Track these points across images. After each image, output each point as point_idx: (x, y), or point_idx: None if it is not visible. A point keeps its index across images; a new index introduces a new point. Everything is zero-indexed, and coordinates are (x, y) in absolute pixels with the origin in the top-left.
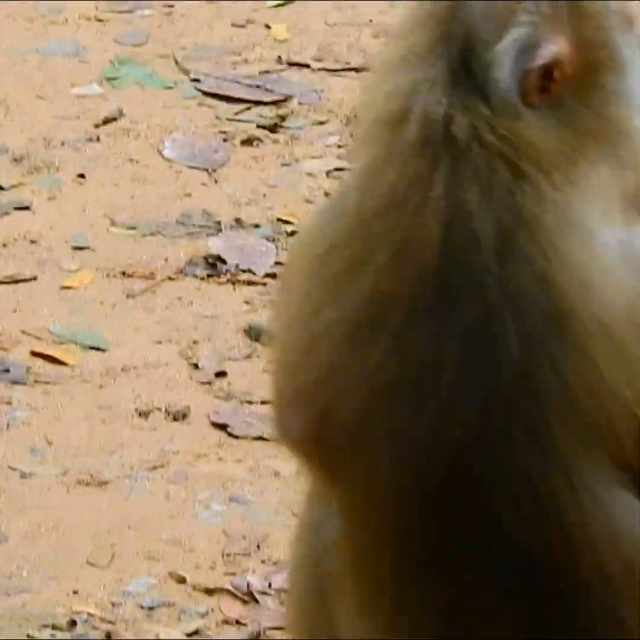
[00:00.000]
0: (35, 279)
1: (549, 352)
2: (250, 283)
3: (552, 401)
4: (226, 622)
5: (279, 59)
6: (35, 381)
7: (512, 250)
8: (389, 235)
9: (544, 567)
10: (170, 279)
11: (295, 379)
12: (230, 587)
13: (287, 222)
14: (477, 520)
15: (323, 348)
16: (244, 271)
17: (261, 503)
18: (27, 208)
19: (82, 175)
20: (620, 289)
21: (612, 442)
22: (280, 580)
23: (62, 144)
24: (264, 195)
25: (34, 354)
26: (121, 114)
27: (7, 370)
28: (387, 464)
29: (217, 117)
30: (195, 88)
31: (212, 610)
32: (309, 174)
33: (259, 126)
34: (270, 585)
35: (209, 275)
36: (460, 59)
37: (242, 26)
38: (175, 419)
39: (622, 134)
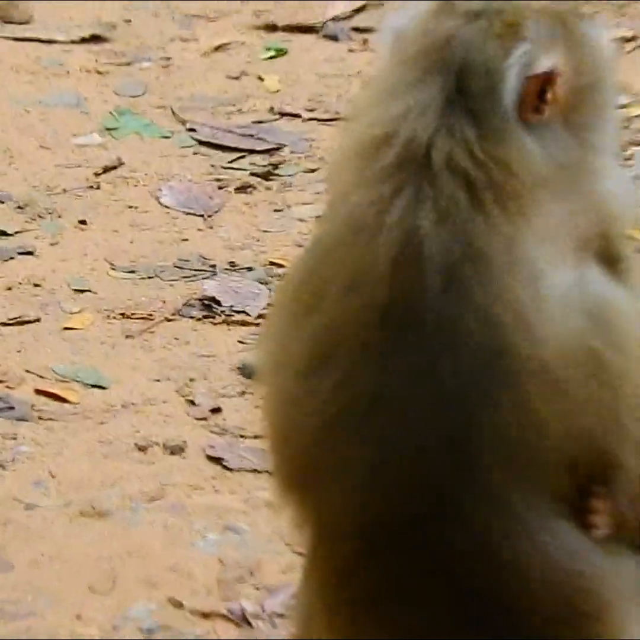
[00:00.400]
0: (38, 320)
1: (485, 388)
2: (243, 324)
3: (486, 436)
4: None
5: (272, 110)
6: (39, 418)
7: (456, 284)
8: (343, 266)
9: (479, 597)
10: (167, 320)
11: (274, 415)
12: (225, 612)
13: (279, 265)
14: (414, 552)
15: (284, 380)
16: (237, 312)
17: (254, 532)
18: (30, 253)
19: (83, 222)
20: (560, 330)
21: (546, 475)
22: (272, 605)
23: (64, 191)
24: (257, 240)
25: (38, 391)
26: (120, 162)
27: (12, 408)
28: (336, 496)
29: (212, 165)
30: (192, 137)
31: (208, 633)
32: (300, 220)
33: (252, 174)
34: (263, 610)
35: (204, 316)
36: (456, 83)
37: (236, 78)
38: (172, 453)
39: (590, 174)
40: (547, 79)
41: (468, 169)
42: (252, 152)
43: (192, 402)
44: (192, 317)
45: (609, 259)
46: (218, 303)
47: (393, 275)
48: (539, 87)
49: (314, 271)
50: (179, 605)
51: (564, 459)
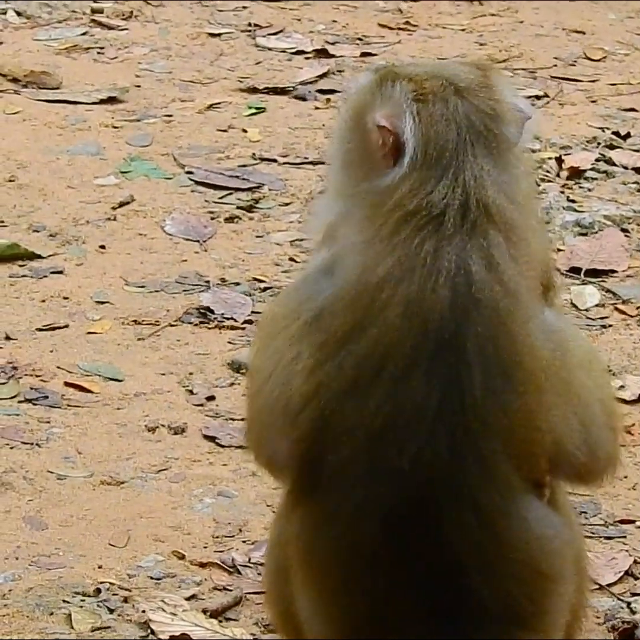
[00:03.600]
0: (67, 326)
1: (501, 398)
2: (232, 328)
3: (499, 434)
4: (216, 588)
5: (253, 156)
6: (68, 405)
7: (494, 316)
8: (395, 298)
9: (476, 576)
10: (171, 325)
11: (283, 427)
12: (219, 562)
13: (260, 280)
14: (428, 535)
15: (320, 400)
16: (227, 319)
17: (242, 497)
18: (60, 272)
19: (102, 247)
20: (541, 353)
21: (533, 463)
22: (257, 556)
23: (87, 222)
24: (243, 260)
25: (67, 384)
26: (132, 199)
27: (46, 397)
28: (364, 493)
29: (206, 201)
30: (189, 179)
31: (205, 579)
32: (277, 244)
33: (238, 207)
34: (250, 560)
35: (200, 322)
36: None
37: (225, 130)
38: (175, 433)
39: (534, 212)
40: None
41: (504, 226)
42: (238, 190)
43: (191, 392)
44: (190, 323)
45: (545, 287)
46: (211, 311)
47: (449, 308)
48: None
49: (352, 306)
50: (181, 556)
51: (544, 448)
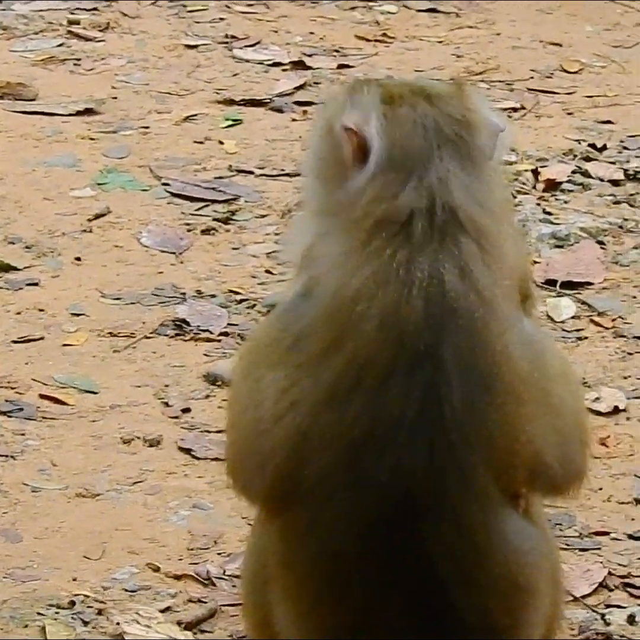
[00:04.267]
0: (42, 338)
1: (479, 408)
2: (208, 340)
3: (478, 445)
4: (191, 600)
5: (230, 168)
6: (43, 417)
7: (470, 326)
8: (371, 311)
9: (455, 588)
10: (147, 337)
11: (262, 445)
12: (194, 574)
13: (236, 292)
14: (406, 547)
15: (296, 415)
16: (203, 331)
17: (217, 509)
18: (36, 284)
19: (78, 258)
20: (520, 365)
21: (511, 474)
22: (232, 568)
23: (63, 234)
24: (219, 272)
25: (42, 396)
26: (108, 211)
27: (21, 409)
28: (343, 505)
29: (182, 213)
30: (166, 190)
31: (180, 592)
32: (253, 256)
33: (214, 219)
34: (225, 572)
35: (176, 334)
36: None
37: (201, 142)
38: (151, 445)
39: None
40: None
41: (475, 233)
42: (214, 202)
43: (166, 404)
44: (166, 335)
45: (522, 297)
46: (187, 323)
47: (423, 317)
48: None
49: (329, 323)
50: (156, 569)
51: (523, 460)
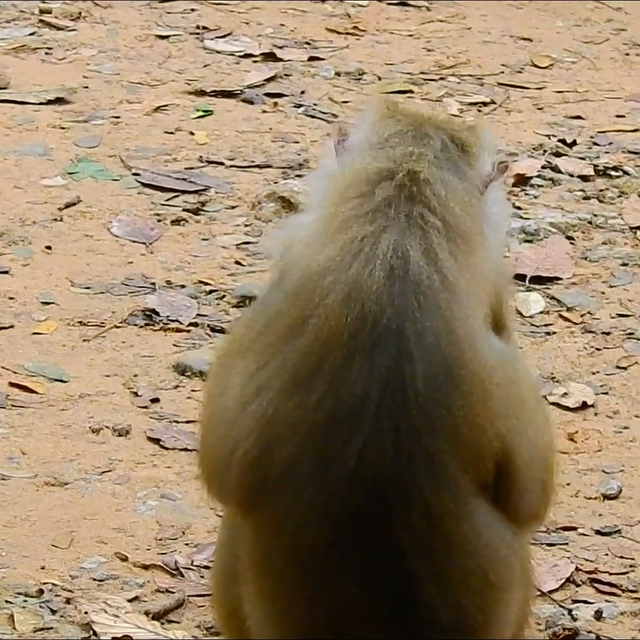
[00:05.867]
0: (12, 327)
1: (444, 393)
2: (177, 330)
3: (444, 433)
4: (158, 590)
5: (200, 158)
6: (13, 405)
7: (432, 305)
8: (338, 285)
9: (425, 580)
10: (116, 327)
11: (228, 434)
12: (161, 564)
13: (206, 283)
14: (378, 538)
15: (262, 400)
16: (172, 321)
17: (186, 499)
18: (6, 272)
19: (49, 247)
20: (487, 360)
21: (480, 465)
22: (200, 558)
23: (34, 223)
24: (189, 263)
25: (12, 384)
26: (79, 200)
27: None
28: (313, 493)
29: (153, 203)
30: (136, 180)
31: (148, 581)
32: (223, 247)
33: (184, 210)
34: (192, 563)
35: (146, 324)
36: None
37: (172, 133)
38: (120, 434)
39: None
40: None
41: (438, 208)
42: (184, 192)
43: (135, 394)
44: (136, 325)
45: (495, 323)
46: (157, 314)
47: (386, 292)
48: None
49: (295, 301)
50: (124, 558)
51: (491, 452)
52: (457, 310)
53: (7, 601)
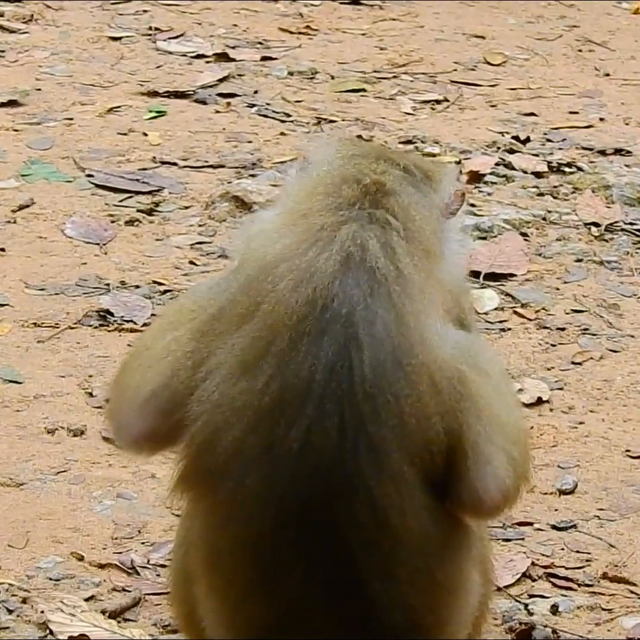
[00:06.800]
0: None
1: (391, 381)
2: (132, 331)
3: (390, 421)
4: (115, 589)
5: (154, 159)
6: None
7: (383, 294)
8: (292, 271)
9: (368, 568)
10: (71, 328)
11: (144, 381)
12: (118, 563)
13: (160, 283)
14: (323, 528)
15: (208, 387)
16: (127, 322)
17: (142, 499)
18: None
19: (2, 249)
20: (439, 352)
21: (427, 459)
22: (156, 557)
23: None
24: (143, 263)
25: None
26: (32, 202)
27: None
28: (258, 479)
29: (106, 204)
30: (90, 182)
31: (104, 580)
32: (177, 247)
33: (138, 211)
34: (148, 561)
35: (100, 325)
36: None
37: (125, 134)
38: (75, 435)
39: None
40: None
41: (400, 215)
42: (138, 193)
43: (90, 394)
44: (90, 326)
45: (459, 323)
46: (111, 314)
47: (339, 278)
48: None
49: (247, 290)
50: (80, 558)
51: (441, 447)
52: (409, 304)
53: None
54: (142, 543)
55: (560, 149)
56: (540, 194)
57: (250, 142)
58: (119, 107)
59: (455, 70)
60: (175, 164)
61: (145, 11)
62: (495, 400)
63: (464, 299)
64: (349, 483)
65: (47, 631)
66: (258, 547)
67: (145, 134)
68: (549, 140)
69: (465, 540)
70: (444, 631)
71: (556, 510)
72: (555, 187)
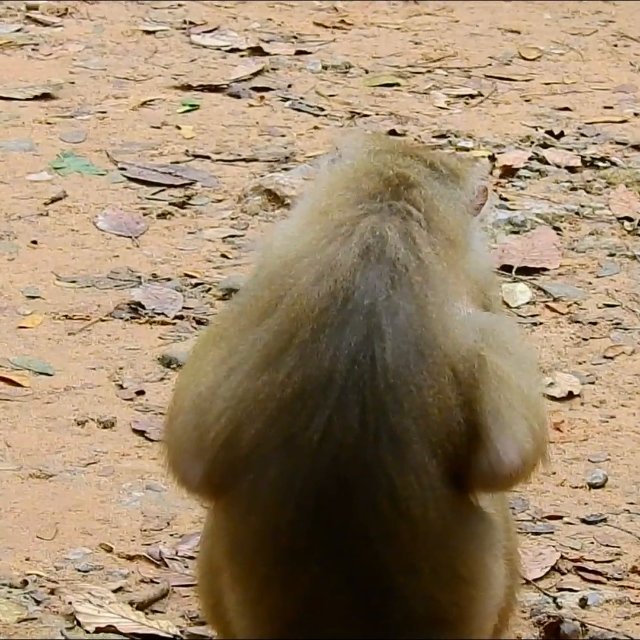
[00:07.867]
0: None
1: (413, 372)
2: (163, 323)
3: (412, 412)
4: (143, 581)
5: (187, 152)
6: None
7: (406, 285)
8: (314, 264)
9: (389, 563)
10: (102, 320)
11: (201, 422)
12: (146, 555)
13: (191, 276)
14: (343, 520)
15: (233, 381)
16: (158, 314)
17: (171, 491)
18: None
19: (34, 242)
20: (462, 341)
21: (449, 451)
22: (184, 549)
23: (20, 218)
24: (174, 256)
25: None
26: (65, 195)
27: None
28: (278, 471)
29: (139, 197)
30: (122, 175)
31: (133, 572)
32: (209, 240)
33: (170, 204)
34: (177, 553)
35: (131, 318)
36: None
37: (159, 127)
38: (105, 427)
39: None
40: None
41: (423, 206)
42: (170, 186)
43: (121, 386)
44: (121, 318)
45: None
46: (142, 307)
47: (360, 270)
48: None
49: (271, 281)
50: (109, 549)
51: (462, 437)
52: (432, 294)
53: None
54: (171, 535)
55: (594, 143)
56: (574, 189)
57: (283, 136)
58: (152, 100)
59: (489, 64)
60: (208, 157)
61: (179, 5)
62: (516, 375)
63: (491, 291)
64: (369, 474)
65: (75, 622)
66: (278, 538)
67: (179, 128)
68: (582, 135)
69: (489, 533)
70: (468, 625)
71: (586, 504)
72: (588, 181)
